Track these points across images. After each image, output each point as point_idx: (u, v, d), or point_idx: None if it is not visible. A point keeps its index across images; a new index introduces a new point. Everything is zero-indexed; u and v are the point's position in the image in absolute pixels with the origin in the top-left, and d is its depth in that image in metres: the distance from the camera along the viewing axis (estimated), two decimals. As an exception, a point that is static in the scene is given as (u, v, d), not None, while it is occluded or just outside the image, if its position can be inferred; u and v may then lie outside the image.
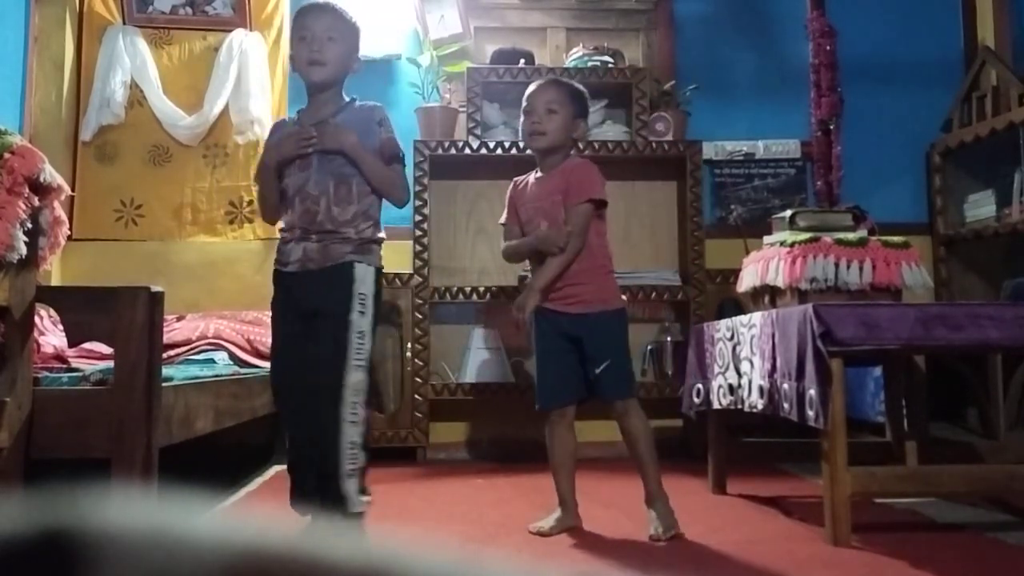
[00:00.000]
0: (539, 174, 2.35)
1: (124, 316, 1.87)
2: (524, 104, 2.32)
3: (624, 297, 2.40)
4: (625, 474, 2.70)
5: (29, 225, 1.81)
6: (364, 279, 2.00)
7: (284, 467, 3.39)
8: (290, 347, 2.03)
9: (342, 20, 2.08)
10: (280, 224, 2.14)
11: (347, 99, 2.12)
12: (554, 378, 2.29)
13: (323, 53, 2.02)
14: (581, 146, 3.62)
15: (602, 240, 2.32)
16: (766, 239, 2.64)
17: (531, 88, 2.34)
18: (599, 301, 2.25)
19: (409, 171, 2.20)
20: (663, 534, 2.12)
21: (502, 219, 2.43)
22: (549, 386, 2.30)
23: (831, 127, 3.79)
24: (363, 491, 1.95)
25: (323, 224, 2.00)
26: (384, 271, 2.13)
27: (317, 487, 1.96)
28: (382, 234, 2.09)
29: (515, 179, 2.43)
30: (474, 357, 3.66)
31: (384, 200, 2.10)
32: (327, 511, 1.91)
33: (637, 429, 2.23)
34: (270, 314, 2.15)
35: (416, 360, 3.53)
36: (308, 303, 2.00)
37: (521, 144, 3.62)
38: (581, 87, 2.39)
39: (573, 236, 2.22)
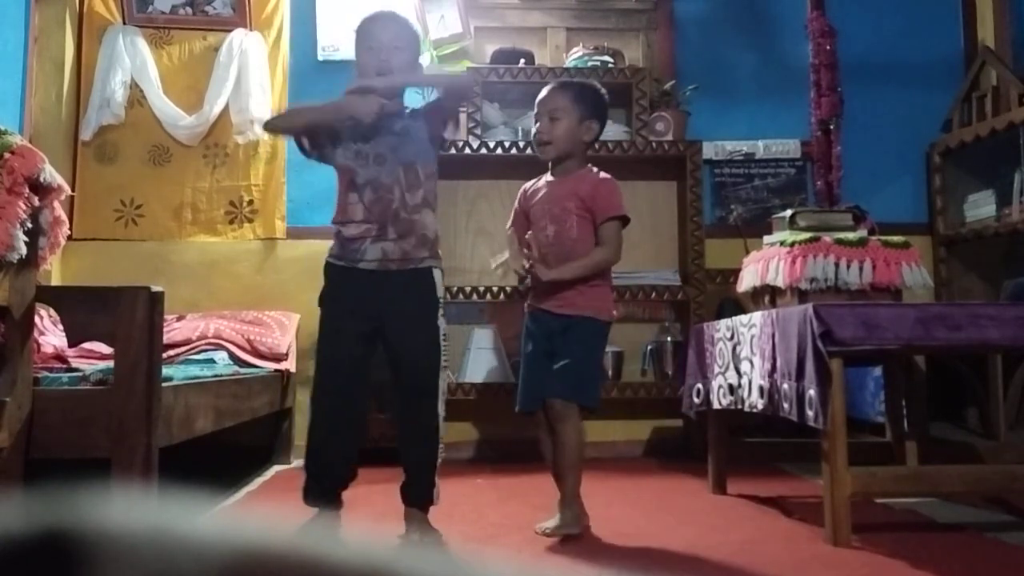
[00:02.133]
0: (551, 177, 2.33)
1: (124, 316, 1.87)
2: (534, 111, 2.32)
3: (615, 313, 2.38)
4: (625, 474, 2.70)
5: (29, 225, 1.81)
6: (439, 283, 2.13)
7: (285, 467, 3.41)
8: (350, 347, 2.07)
9: (407, 29, 2.17)
10: (344, 219, 2.12)
11: (405, 106, 2.20)
12: (531, 381, 2.28)
13: (390, 61, 2.09)
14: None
15: None
16: (766, 239, 2.64)
17: (541, 95, 2.32)
18: (588, 309, 2.24)
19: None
20: (554, 530, 2.13)
21: (508, 227, 2.42)
22: (527, 388, 2.29)
23: (831, 127, 3.79)
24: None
25: (398, 212, 2.07)
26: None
27: (413, 478, 2.08)
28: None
29: (524, 186, 2.41)
30: (474, 357, 3.66)
31: (457, 102, 2.24)
32: (419, 500, 2.08)
33: (570, 439, 2.20)
34: (324, 308, 2.14)
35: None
36: (388, 304, 2.06)
37: (521, 144, 3.62)
38: (592, 85, 2.36)
39: (608, 251, 2.23)
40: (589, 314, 2.23)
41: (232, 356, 3.20)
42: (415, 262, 2.09)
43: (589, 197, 2.25)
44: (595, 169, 2.35)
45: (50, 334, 2.67)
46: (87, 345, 2.45)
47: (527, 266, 2.22)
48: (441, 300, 2.13)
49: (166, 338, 2.69)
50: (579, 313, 2.23)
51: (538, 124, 2.28)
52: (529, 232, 2.29)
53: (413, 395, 2.09)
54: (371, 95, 2.06)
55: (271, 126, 2.35)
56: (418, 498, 2.09)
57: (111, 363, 1.92)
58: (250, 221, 3.85)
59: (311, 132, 2.16)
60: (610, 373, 3.59)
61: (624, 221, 2.28)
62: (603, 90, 2.36)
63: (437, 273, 2.12)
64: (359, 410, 2.13)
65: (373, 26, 2.14)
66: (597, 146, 3.63)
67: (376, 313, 2.07)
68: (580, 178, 2.29)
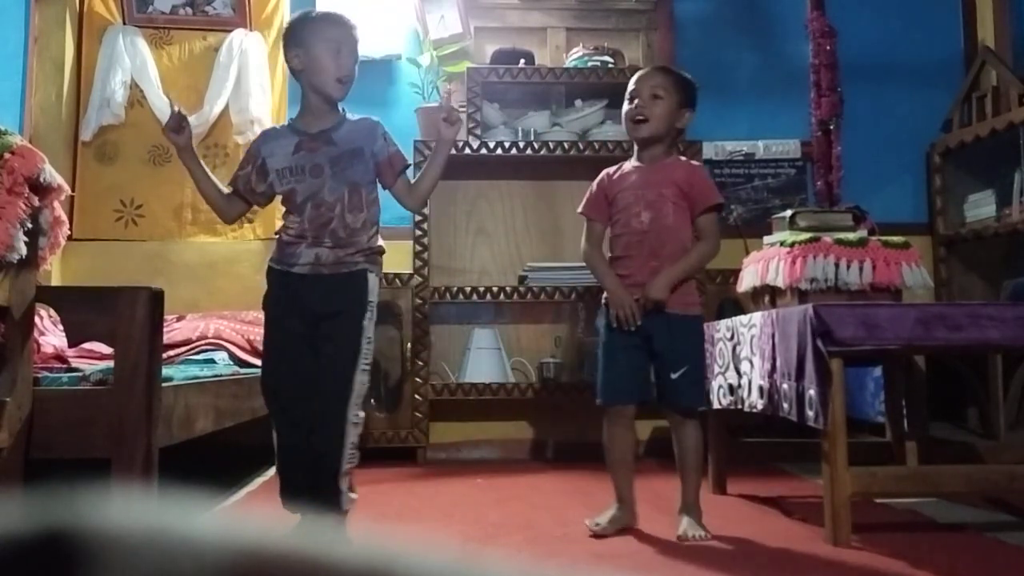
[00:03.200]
0: (637, 163, 2.28)
1: (124, 316, 1.87)
2: (630, 89, 2.25)
3: (700, 306, 2.33)
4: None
5: (29, 225, 1.81)
6: (374, 288, 2.06)
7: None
8: (290, 347, 2.04)
9: (357, 34, 2.11)
10: (284, 227, 2.13)
11: (340, 110, 2.14)
12: (621, 373, 2.21)
13: (352, 71, 2.07)
14: (582, 146, 3.63)
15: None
16: (766, 239, 2.64)
17: (638, 74, 2.29)
18: (679, 304, 2.18)
19: (410, 172, 2.22)
20: (692, 536, 2.09)
21: (582, 208, 2.34)
22: (614, 381, 2.22)
23: (831, 127, 3.78)
24: (351, 489, 2.01)
25: (336, 231, 2.04)
26: (383, 273, 2.18)
27: (313, 484, 1.99)
28: (382, 243, 2.14)
29: (606, 170, 2.34)
30: (474, 357, 3.66)
31: (399, 202, 2.19)
32: (321, 507, 1.95)
33: (693, 440, 2.20)
34: (265, 311, 2.12)
35: (416, 360, 3.53)
36: (319, 306, 2.02)
37: (521, 144, 3.62)
38: (691, 78, 2.33)
39: (710, 244, 2.22)
40: (683, 310, 2.19)
41: (232, 356, 3.20)
42: (349, 266, 2.05)
43: (686, 183, 2.21)
44: (683, 157, 2.32)
45: (50, 334, 2.67)
46: (87, 345, 2.45)
47: (629, 313, 2.16)
48: (371, 304, 2.05)
49: (166, 338, 2.69)
50: (673, 309, 2.17)
51: (636, 101, 2.22)
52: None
53: (323, 395, 2.01)
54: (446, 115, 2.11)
55: (227, 220, 2.31)
56: (319, 499, 1.98)
57: (111, 363, 1.92)
58: (250, 221, 3.85)
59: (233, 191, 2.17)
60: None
61: (719, 209, 2.26)
62: (698, 85, 2.35)
63: (372, 278, 2.06)
64: (310, 413, 2.01)
65: (343, 30, 2.08)
66: (597, 146, 3.63)
67: (309, 315, 2.03)
68: (673, 165, 2.26)
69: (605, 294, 2.27)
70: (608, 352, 2.25)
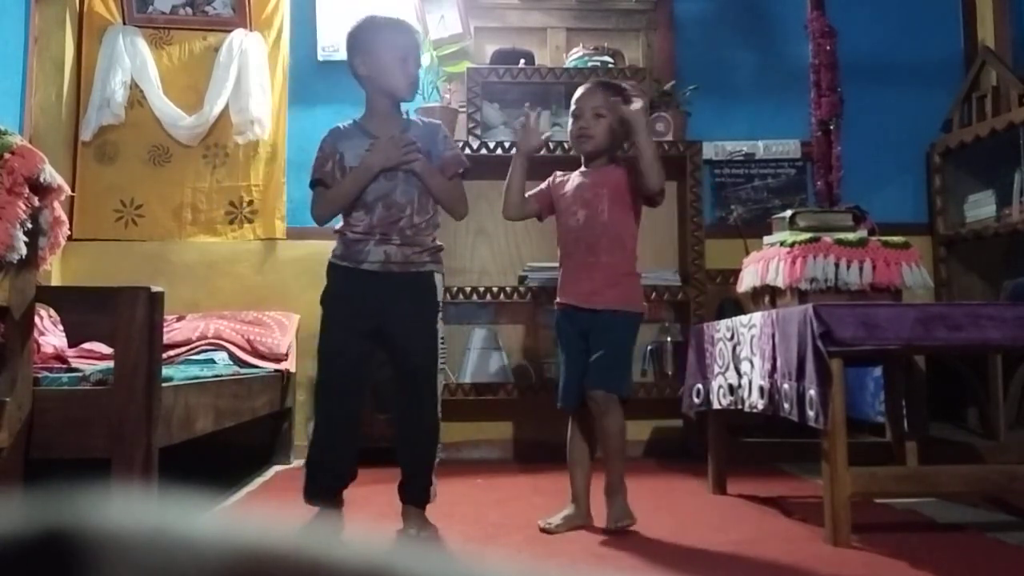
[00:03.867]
0: (583, 170, 2.40)
1: (124, 316, 1.87)
2: (572, 108, 2.36)
3: (645, 304, 2.41)
4: (625, 474, 2.70)
5: (29, 225, 1.81)
6: (440, 287, 2.19)
7: (285, 467, 3.41)
8: (351, 345, 2.11)
9: (419, 39, 2.26)
10: (347, 225, 2.17)
11: (405, 114, 2.26)
12: (570, 378, 2.32)
13: (417, 74, 2.18)
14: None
15: (635, 244, 2.38)
16: (766, 239, 2.64)
17: (579, 92, 2.38)
18: (619, 301, 2.28)
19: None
20: (614, 524, 2.18)
21: (528, 193, 2.44)
22: (566, 386, 2.34)
23: (831, 127, 3.79)
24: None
25: (404, 230, 2.13)
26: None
27: (411, 477, 2.13)
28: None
29: (557, 172, 2.47)
30: (474, 357, 3.66)
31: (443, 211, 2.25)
32: (416, 498, 2.13)
33: (613, 426, 2.25)
34: (325, 309, 2.18)
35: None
36: (389, 302, 2.10)
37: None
38: (628, 88, 2.42)
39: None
40: (620, 307, 2.28)
41: (232, 356, 3.20)
42: (417, 266, 2.14)
43: (627, 179, 2.31)
44: (623, 161, 2.42)
45: (50, 334, 2.67)
46: (87, 345, 2.45)
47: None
48: (440, 304, 2.18)
49: (166, 338, 2.69)
50: (610, 307, 2.27)
51: (580, 120, 2.33)
52: None
53: (412, 396, 2.13)
54: (391, 146, 2.12)
55: (322, 221, 2.27)
56: (416, 497, 2.14)
57: (111, 363, 1.92)
58: (250, 221, 3.85)
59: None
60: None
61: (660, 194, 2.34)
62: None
63: (438, 277, 2.18)
64: (358, 409, 2.17)
65: (407, 38, 2.19)
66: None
67: (378, 313, 2.10)
68: (613, 169, 2.36)
69: (556, 301, 2.38)
70: (563, 359, 2.36)
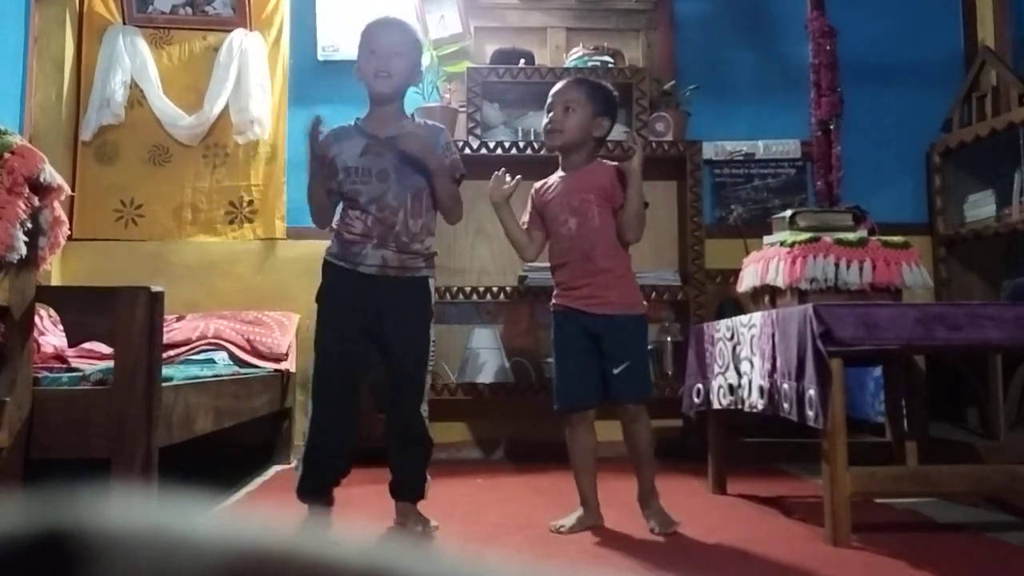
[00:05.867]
0: (562, 173, 2.35)
1: (124, 316, 1.87)
2: (548, 102, 2.34)
3: (644, 303, 2.39)
4: (626, 473, 2.70)
5: (29, 225, 1.81)
6: (432, 292, 2.24)
7: (285, 467, 3.41)
8: (345, 343, 2.15)
9: (409, 36, 2.24)
10: (344, 224, 2.20)
11: (408, 115, 2.27)
12: (574, 378, 2.28)
13: (389, 66, 2.16)
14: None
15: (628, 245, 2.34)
16: (766, 239, 2.64)
17: (556, 87, 2.35)
18: (623, 305, 2.26)
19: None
20: (662, 530, 2.16)
21: (523, 221, 2.41)
22: (569, 387, 2.29)
23: (831, 127, 3.78)
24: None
25: (399, 235, 2.15)
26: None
27: (402, 475, 2.19)
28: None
29: (535, 184, 2.42)
30: (474, 357, 3.66)
31: (439, 214, 2.28)
32: (409, 497, 2.19)
33: (643, 434, 2.25)
34: (321, 306, 2.21)
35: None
36: (384, 307, 2.14)
37: (521, 144, 3.62)
38: (607, 85, 2.40)
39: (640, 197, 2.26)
40: (627, 311, 2.26)
41: (232, 356, 3.20)
42: (413, 271, 2.18)
43: (608, 185, 2.28)
44: (604, 161, 2.39)
45: (50, 334, 2.67)
46: (87, 345, 2.45)
47: None
48: (432, 307, 2.24)
49: (166, 338, 2.69)
50: (618, 312, 2.24)
51: (551, 114, 2.30)
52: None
53: (401, 397, 2.18)
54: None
55: (322, 225, 2.29)
56: (409, 493, 2.19)
57: (111, 363, 1.92)
58: (250, 221, 3.85)
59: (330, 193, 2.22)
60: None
61: (644, 206, 2.30)
62: (615, 92, 2.41)
63: (431, 283, 2.24)
64: (353, 406, 2.19)
65: (376, 30, 2.20)
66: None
67: (373, 314, 2.14)
68: (593, 169, 2.32)
69: (552, 303, 2.36)
70: (561, 360, 2.32)
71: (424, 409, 2.21)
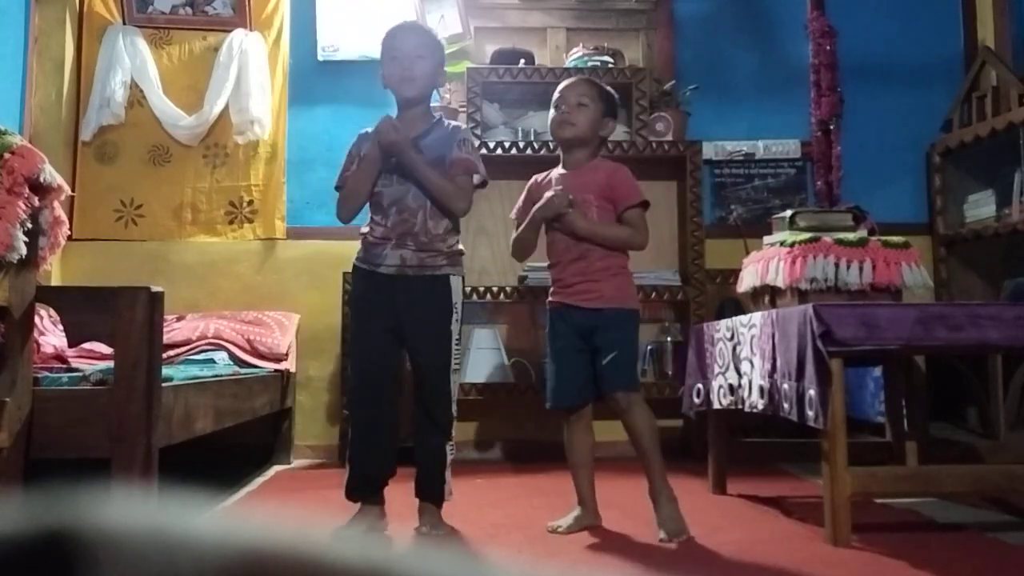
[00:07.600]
0: (563, 170, 2.36)
1: (124, 316, 1.87)
2: (555, 98, 2.34)
3: (638, 300, 2.39)
4: (626, 473, 2.70)
5: (29, 225, 1.81)
6: (457, 289, 2.21)
7: (285, 467, 3.41)
8: (377, 345, 2.18)
9: (430, 39, 2.28)
10: (369, 229, 2.23)
11: (436, 117, 2.30)
12: (567, 378, 2.28)
13: (413, 70, 2.19)
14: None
15: None
16: (766, 239, 2.64)
17: (563, 84, 2.37)
18: (616, 299, 2.26)
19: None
20: (673, 538, 2.09)
21: (513, 213, 2.42)
22: (561, 386, 2.30)
23: (831, 127, 3.79)
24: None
25: (419, 236, 2.17)
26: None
27: (426, 474, 2.18)
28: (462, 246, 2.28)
29: (535, 177, 2.43)
30: (474, 357, 3.66)
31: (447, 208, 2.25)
32: (430, 497, 2.18)
33: (642, 423, 2.21)
34: (352, 309, 2.29)
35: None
36: (405, 306, 2.16)
37: (521, 144, 3.62)
38: (612, 90, 2.41)
39: (637, 235, 2.28)
40: (619, 305, 2.26)
41: (232, 356, 3.20)
42: (432, 269, 2.18)
43: (608, 186, 2.28)
44: (605, 160, 2.40)
45: (50, 334, 2.67)
46: (87, 345, 2.45)
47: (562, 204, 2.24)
48: (456, 306, 2.20)
49: (166, 338, 2.69)
50: (609, 305, 2.25)
51: (562, 107, 2.31)
52: (555, 190, 2.28)
53: (425, 395, 2.18)
54: (387, 123, 2.15)
55: (342, 217, 2.28)
56: (430, 493, 2.18)
57: (111, 363, 1.92)
58: (250, 221, 3.85)
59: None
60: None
61: (644, 206, 2.31)
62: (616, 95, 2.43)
63: (455, 280, 2.21)
64: (392, 407, 2.20)
65: (396, 36, 2.24)
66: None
67: (395, 314, 2.16)
68: (594, 168, 2.32)
69: (548, 300, 2.36)
70: (555, 359, 2.32)
71: (452, 410, 2.19)
